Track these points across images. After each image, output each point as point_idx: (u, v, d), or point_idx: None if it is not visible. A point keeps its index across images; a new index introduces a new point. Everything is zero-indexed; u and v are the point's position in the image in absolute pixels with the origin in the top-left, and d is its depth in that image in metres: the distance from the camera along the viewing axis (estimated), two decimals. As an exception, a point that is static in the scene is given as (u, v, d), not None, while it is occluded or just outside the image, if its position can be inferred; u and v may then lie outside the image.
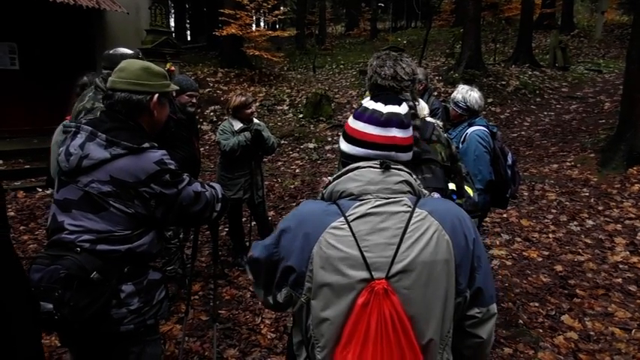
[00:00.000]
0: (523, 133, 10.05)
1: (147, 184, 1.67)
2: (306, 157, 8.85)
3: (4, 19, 7.98)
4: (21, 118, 8.36)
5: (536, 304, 3.64)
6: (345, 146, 1.32)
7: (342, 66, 16.70)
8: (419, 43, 17.60)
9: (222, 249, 4.66)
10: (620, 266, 4.23)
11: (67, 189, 1.70)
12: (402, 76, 1.87)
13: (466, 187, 2.10)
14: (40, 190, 6.64)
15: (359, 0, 28.80)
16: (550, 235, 5.00)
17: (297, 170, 8.09)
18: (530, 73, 14.11)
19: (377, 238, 1.15)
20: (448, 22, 24.17)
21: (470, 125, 3.18)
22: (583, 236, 4.95)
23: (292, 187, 6.97)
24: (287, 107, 11.64)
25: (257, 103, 11.11)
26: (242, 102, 4.03)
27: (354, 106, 11.52)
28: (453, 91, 3.41)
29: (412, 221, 1.17)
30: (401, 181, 1.24)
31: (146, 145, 1.71)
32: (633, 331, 3.24)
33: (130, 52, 2.87)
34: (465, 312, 1.24)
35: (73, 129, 1.73)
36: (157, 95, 1.80)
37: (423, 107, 2.94)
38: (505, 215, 5.59)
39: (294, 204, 6.06)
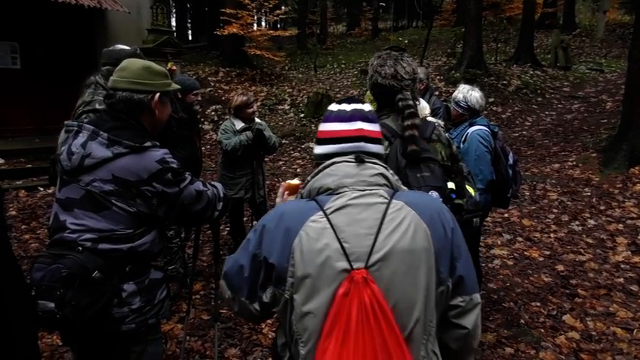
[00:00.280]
0: (524, 132, 10.04)
1: (149, 183, 1.68)
2: (307, 157, 8.85)
3: (5, 18, 7.99)
4: (22, 118, 8.37)
5: (538, 304, 3.64)
6: (318, 149, 1.38)
7: (343, 65, 16.69)
8: (420, 42, 17.59)
9: (223, 248, 4.67)
10: (622, 266, 4.23)
11: (69, 188, 1.70)
12: (402, 75, 1.88)
13: (467, 187, 2.10)
14: (42, 189, 6.65)
15: (360, -1, 28.79)
16: (551, 235, 5.00)
17: (299, 170, 8.09)
18: (531, 72, 14.10)
19: (355, 229, 1.17)
20: (449, 21, 24.14)
21: (471, 125, 3.18)
22: (585, 236, 4.94)
23: (293, 186, 6.96)
24: (288, 107, 11.65)
25: (258, 103, 11.12)
26: (243, 101, 4.03)
27: (355, 105, 11.51)
28: (454, 91, 3.41)
29: (389, 211, 1.19)
30: (376, 174, 1.28)
31: (148, 143, 1.71)
32: (635, 331, 3.24)
33: (127, 47, 2.90)
34: (448, 302, 1.25)
35: (75, 128, 1.73)
36: (158, 94, 1.80)
37: (425, 107, 2.94)
38: (506, 215, 5.58)
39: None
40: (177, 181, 1.75)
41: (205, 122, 10.14)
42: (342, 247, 1.15)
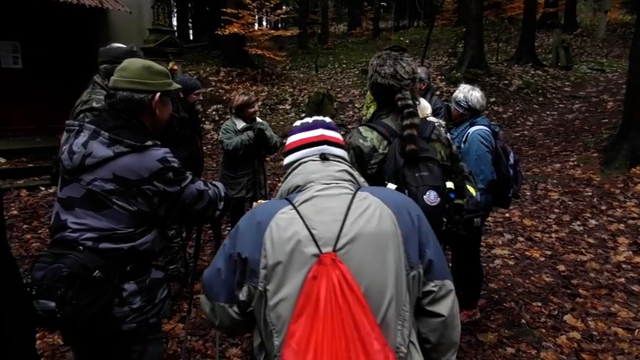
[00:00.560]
0: (526, 132, 10.03)
1: (150, 182, 1.68)
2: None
3: (7, 18, 8.01)
4: (24, 117, 8.39)
5: (539, 304, 3.63)
6: (286, 159, 1.46)
7: (344, 65, 16.69)
8: (421, 42, 17.59)
9: (224, 248, 4.66)
10: (623, 266, 4.22)
11: (70, 187, 1.70)
12: (401, 75, 1.88)
13: (469, 187, 2.10)
14: (43, 188, 6.65)
15: (361, -1, 28.75)
16: (553, 235, 4.99)
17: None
18: (532, 72, 14.08)
19: (322, 217, 1.22)
20: (450, 21, 24.13)
21: (472, 125, 3.17)
22: (586, 236, 4.93)
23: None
24: (289, 106, 11.65)
25: (259, 103, 11.13)
26: (245, 101, 4.03)
27: (356, 105, 11.53)
28: (455, 91, 3.40)
29: (355, 200, 1.25)
30: (341, 170, 1.35)
31: (149, 143, 1.71)
32: (636, 331, 3.23)
33: (123, 46, 2.93)
34: (422, 289, 1.27)
35: (76, 127, 1.73)
36: (158, 94, 1.80)
37: (426, 107, 2.95)
38: (507, 215, 5.58)
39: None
40: (179, 180, 1.75)
41: (206, 122, 10.14)
42: (311, 234, 1.19)
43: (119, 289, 1.69)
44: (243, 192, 4.12)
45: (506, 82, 12.72)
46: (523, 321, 3.39)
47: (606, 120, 9.62)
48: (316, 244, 1.18)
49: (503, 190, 3.18)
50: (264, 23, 25.85)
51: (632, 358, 2.96)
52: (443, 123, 2.65)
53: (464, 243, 3.08)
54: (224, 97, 11.16)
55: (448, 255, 3.46)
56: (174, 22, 26.97)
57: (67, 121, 1.82)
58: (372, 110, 3.48)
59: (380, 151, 1.89)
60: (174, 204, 1.76)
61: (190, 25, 29.24)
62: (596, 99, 11.83)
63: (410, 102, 1.87)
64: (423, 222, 1.30)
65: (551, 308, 3.57)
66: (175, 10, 27.71)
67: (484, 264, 4.24)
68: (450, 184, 1.91)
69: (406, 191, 1.71)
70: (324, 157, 1.36)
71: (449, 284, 1.30)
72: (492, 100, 11.57)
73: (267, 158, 5.40)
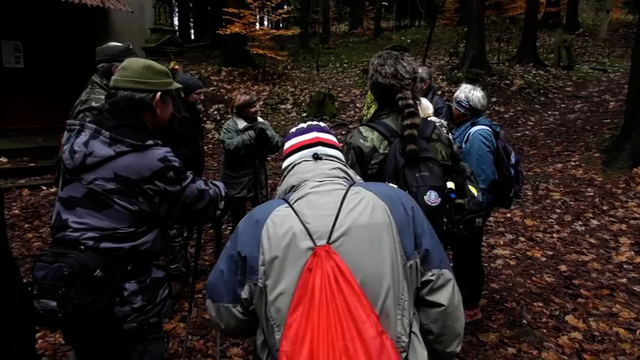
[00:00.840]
0: (527, 132, 10.01)
1: (151, 181, 1.68)
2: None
3: (9, 17, 8.02)
4: (26, 117, 8.40)
5: (540, 304, 3.63)
6: (284, 163, 1.50)
7: (345, 65, 16.69)
8: (423, 42, 17.57)
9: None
10: (625, 266, 4.22)
11: (72, 187, 1.70)
12: (402, 74, 1.88)
13: (470, 187, 2.09)
14: (45, 188, 6.67)
15: (363, -1, 28.73)
16: (554, 235, 4.99)
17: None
18: (534, 72, 14.04)
19: (316, 211, 1.25)
20: (452, 21, 24.10)
21: (473, 125, 3.17)
22: (587, 236, 4.93)
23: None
24: (291, 106, 11.65)
25: (261, 102, 11.12)
26: (246, 101, 4.03)
27: (357, 105, 11.52)
28: (456, 91, 3.40)
29: (348, 194, 1.28)
30: (335, 168, 1.39)
31: (150, 142, 1.71)
32: (638, 331, 3.23)
33: (119, 44, 2.98)
34: (420, 279, 1.29)
35: (77, 127, 1.73)
36: (159, 93, 1.80)
37: (427, 106, 2.95)
38: (509, 215, 5.57)
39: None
40: (179, 179, 1.76)
41: (208, 121, 10.14)
42: (305, 228, 1.22)
43: (120, 288, 1.69)
44: (245, 192, 4.12)
45: (507, 81, 12.70)
46: (524, 321, 3.39)
47: (608, 120, 9.59)
48: (311, 237, 1.20)
49: (505, 190, 3.18)
50: (266, 23, 25.87)
51: (634, 358, 2.95)
52: (444, 123, 2.65)
53: (465, 243, 3.08)
54: (225, 97, 11.16)
55: (449, 255, 3.45)
56: (176, 22, 27.03)
57: (68, 121, 1.82)
58: (372, 110, 3.47)
59: (380, 151, 1.89)
60: (175, 203, 1.76)
61: (192, 24, 29.27)
62: (598, 99, 11.80)
63: (410, 102, 1.87)
64: (417, 213, 1.32)
65: (553, 308, 3.57)
66: (177, 9, 27.74)
67: (485, 264, 4.23)
68: (450, 184, 1.91)
69: (406, 191, 1.71)
70: (316, 157, 1.40)
71: (447, 273, 1.31)
72: (494, 99, 11.56)
73: (269, 158, 5.40)
